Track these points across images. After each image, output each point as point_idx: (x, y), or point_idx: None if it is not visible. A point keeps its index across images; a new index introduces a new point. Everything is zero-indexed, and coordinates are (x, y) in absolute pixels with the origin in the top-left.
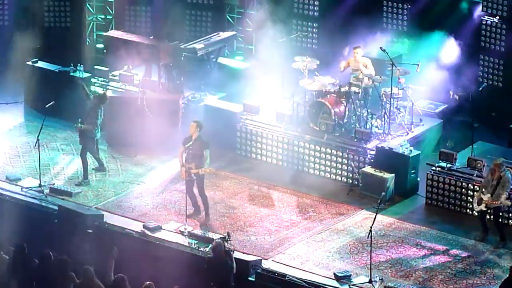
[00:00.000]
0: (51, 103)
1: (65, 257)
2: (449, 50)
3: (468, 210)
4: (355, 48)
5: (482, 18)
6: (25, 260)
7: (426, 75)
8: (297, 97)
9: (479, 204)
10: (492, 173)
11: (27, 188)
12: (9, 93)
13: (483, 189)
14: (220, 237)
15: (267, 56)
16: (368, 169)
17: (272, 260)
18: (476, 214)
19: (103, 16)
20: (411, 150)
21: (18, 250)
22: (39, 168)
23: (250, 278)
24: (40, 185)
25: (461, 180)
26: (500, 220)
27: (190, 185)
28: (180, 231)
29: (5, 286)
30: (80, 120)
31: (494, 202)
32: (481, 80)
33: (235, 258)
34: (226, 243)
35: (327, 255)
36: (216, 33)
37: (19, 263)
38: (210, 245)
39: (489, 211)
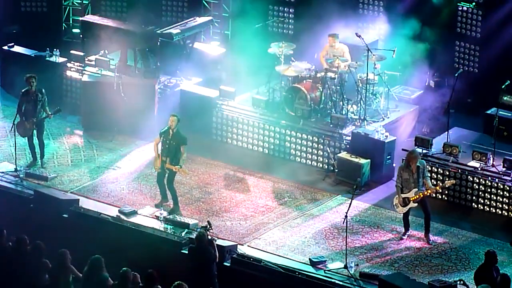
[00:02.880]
0: (27, 88)
1: (39, 242)
2: (424, 36)
3: (443, 196)
4: (330, 36)
5: (458, 4)
6: (0, 244)
7: (402, 61)
8: (273, 82)
9: (405, 205)
10: (409, 168)
11: (2, 172)
12: None
13: (403, 189)
14: (202, 227)
15: (243, 42)
16: (343, 154)
17: (248, 245)
18: (402, 213)
19: (79, 1)
20: (386, 136)
21: None
22: (15, 153)
23: (225, 263)
24: (16, 170)
25: (437, 166)
26: (429, 211)
27: (161, 176)
28: (155, 216)
29: None
30: (34, 117)
31: (430, 191)
32: (457, 66)
33: None
34: (208, 232)
35: (302, 240)
36: (192, 18)
37: None
38: (192, 234)
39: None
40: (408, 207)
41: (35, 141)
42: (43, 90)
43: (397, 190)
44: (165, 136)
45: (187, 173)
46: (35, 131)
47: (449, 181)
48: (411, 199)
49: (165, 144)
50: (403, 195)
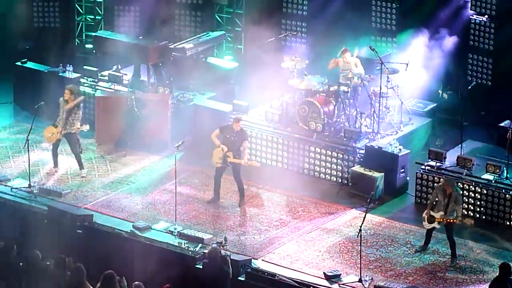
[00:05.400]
0: (41, 103)
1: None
2: (437, 49)
3: (460, 221)
4: (343, 51)
5: (470, 17)
6: (13, 260)
7: (415, 74)
8: (286, 96)
9: (431, 222)
10: (443, 192)
11: (16, 188)
12: None
13: (433, 208)
14: (217, 242)
15: (256, 56)
16: (357, 168)
17: (262, 260)
18: (426, 228)
19: (92, 16)
20: (400, 149)
21: (5, 251)
22: (29, 169)
23: (240, 278)
24: (29, 186)
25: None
26: (452, 236)
27: (219, 172)
28: (170, 231)
29: None
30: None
31: (451, 220)
32: (470, 79)
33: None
34: (222, 248)
35: (317, 254)
36: (205, 33)
37: (7, 263)
38: (207, 249)
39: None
40: (432, 225)
41: (59, 150)
42: (81, 105)
43: (428, 205)
44: (229, 132)
45: (258, 165)
46: (67, 143)
47: (468, 220)
48: (436, 220)
49: (228, 139)
50: (432, 213)
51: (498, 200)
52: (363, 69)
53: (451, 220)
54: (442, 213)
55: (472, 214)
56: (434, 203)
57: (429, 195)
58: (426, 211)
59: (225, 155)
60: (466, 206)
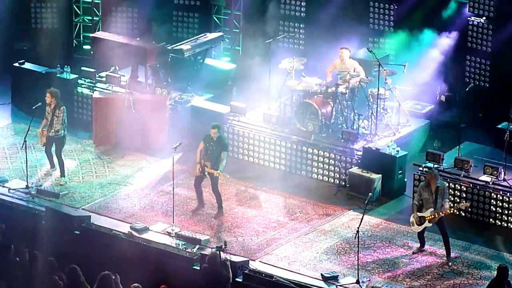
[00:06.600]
0: (38, 104)
1: (51, 258)
2: (436, 50)
3: (454, 211)
4: (342, 48)
5: (468, 18)
6: (11, 261)
7: (412, 75)
8: (284, 97)
9: (421, 224)
10: (428, 188)
11: (14, 189)
12: None
13: (421, 208)
14: (216, 247)
15: (254, 57)
16: (355, 169)
17: (259, 261)
18: (417, 231)
19: (90, 17)
20: (398, 151)
21: (4, 251)
22: (26, 170)
23: (237, 279)
24: (27, 187)
25: (448, 180)
26: (447, 232)
27: (198, 181)
28: (167, 232)
29: None
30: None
31: (444, 213)
32: (468, 80)
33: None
34: (222, 253)
35: (314, 255)
36: (203, 34)
37: (5, 264)
38: (204, 250)
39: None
40: (423, 226)
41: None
42: (62, 108)
43: (413, 208)
44: (208, 141)
45: (227, 177)
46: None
47: (463, 204)
48: (426, 218)
49: (207, 149)
50: (420, 214)
51: (496, 202)
52: (363, 70)
53: (443, 213)
54: (432, 209)
55: (469, 215)
56: (419, 203)
57: None
58: (412, 214)
59: (204, 165)
60: (464, 208)
